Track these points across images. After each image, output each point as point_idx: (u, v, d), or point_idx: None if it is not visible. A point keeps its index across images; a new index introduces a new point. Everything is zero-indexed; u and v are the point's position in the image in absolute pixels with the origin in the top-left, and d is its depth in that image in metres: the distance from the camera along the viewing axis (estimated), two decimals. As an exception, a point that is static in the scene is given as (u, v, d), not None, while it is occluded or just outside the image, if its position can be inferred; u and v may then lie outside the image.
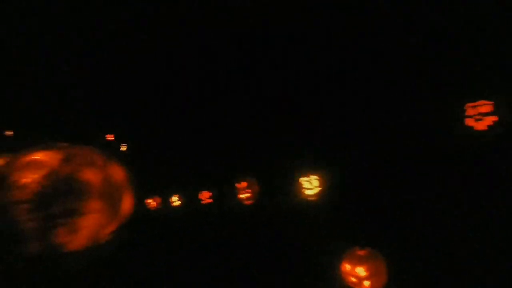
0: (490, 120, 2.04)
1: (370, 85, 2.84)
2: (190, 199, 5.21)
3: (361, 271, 1.73)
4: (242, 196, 4.14)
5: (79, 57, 5.97)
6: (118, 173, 2.20)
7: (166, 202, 5.72)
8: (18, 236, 1.96)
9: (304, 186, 3.48)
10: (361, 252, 1.80)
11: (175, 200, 5.55)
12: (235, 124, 4.09)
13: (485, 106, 2.08)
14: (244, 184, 4.10)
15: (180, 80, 4.78)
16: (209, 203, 4.67)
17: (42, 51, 5.90)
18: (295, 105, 3.48)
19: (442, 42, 2.30)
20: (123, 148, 6.35)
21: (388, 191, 2.48)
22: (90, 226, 2.06)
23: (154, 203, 5.96)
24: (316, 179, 3.43)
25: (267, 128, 3.77)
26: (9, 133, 7.49)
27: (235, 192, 4.11)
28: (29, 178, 2.04)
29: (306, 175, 3.46)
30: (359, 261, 1.76)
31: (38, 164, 2.09)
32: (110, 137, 6.61)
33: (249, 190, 4.12)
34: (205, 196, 4.66)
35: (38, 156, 2.03)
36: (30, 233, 2.04)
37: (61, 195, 1.94)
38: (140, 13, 4.05)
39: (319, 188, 3.40)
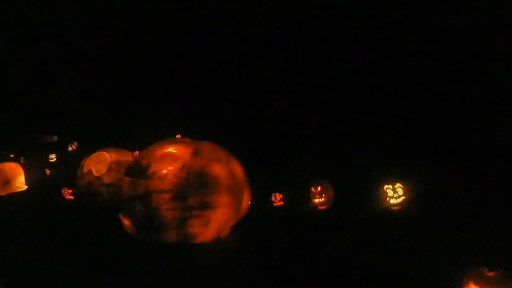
0: None
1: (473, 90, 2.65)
2: (261, 200, 5.26)
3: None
4: (316, 200, 4.10)
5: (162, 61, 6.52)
6: (238, 169, 2.37)
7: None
8: (159, 223, 2.21)
9: (387, 194, 3.34)
10: (491, 274, 1.64)
11: (246, 200, 5.72)
12: (314, 125, 4.09)
13: None
14: (319, 188, 4.06)
15: (258, 82, 4.91)
16: (281, 206, 4.69)
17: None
18: (384, 106, 3.38)
19: None
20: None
21: (495, 204, 2.27)
22: (219, 220, 2.24)
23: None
24: (401, 187, 3.26)
25: (348, 130, 3.70)
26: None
27: (309, 196, 4.08)
28: (167, 170, 2.34)
29: (390, 182, 3.31)
30: (489, 283, 1.61)
31: (172, 157, 2.34)
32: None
33: (324, 195, 4.07)
34: (278, 198, 4.71)
35: (171, 149, 2.27)
36: (169, 221, 2.30)
37: (196, 188, 2.16)
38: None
39: (404, 197, 3.23)
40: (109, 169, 4.08)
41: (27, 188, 6.42)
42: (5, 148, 7.86)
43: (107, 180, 4.11)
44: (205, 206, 1.92)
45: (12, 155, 7.77)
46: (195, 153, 2.05)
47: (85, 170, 4.16)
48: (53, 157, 7.48)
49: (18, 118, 8.21)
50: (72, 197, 5.26)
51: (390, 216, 3.19)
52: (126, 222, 2.20)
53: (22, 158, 7.43)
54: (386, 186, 3.34)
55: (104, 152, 4.20)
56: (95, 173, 4.14)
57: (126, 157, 4.27)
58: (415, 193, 3.21)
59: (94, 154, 4.24)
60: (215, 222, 2.00)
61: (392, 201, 3.29)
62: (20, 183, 6.46)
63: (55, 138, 8.24)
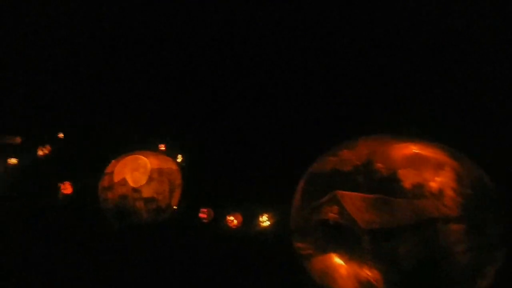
0: None
1: None
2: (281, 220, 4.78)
3: None
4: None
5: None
6: None
7: (251, 221, 5.31)
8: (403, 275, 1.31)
9: None
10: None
11: (264, 220, 5.15)
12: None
13: None
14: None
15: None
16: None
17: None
18: None
19: None
20: (179, 159, 6.01)
21: None
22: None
23: (235, 221, 5.55)
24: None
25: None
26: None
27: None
28: (435, 182, 1.49)
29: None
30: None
31: (431, 162, 1.52)
32: (162, 147, 6.30)
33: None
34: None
35: (414, 149, 1.46)
36: (455, 272, 1.40)
37: (488, 212, 1.38)
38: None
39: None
40: (150, 179, 3.21)
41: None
42: None
43: (146, 193, 3.21)
44: (504, 241, 1.29)
45: None
46: (455, 156, 1.39)
47: (115, 178, 3.21)
48: (14, 162, 6.07)
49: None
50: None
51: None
52: (370, 273, 1.34)
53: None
54: None
55: (142, 157, 3.31)
56: (131, 184, 3.21)
57: (169, 164, 3.43)
58: None
59: (128, 158, 3.30)
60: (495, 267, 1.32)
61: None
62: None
63: (18, 139, 6.74)
